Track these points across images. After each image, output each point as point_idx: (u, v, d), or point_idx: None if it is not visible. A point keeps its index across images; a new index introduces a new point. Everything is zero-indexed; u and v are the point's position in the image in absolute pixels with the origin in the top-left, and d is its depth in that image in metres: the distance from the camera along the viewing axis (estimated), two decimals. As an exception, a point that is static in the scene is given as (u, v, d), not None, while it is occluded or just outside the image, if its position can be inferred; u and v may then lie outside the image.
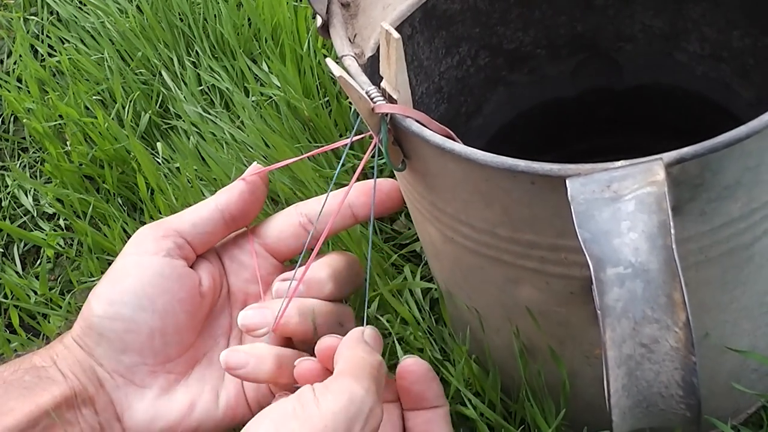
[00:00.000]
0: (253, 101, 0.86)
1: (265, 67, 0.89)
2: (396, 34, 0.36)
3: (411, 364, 0.52)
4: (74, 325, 0.56)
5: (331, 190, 0.55)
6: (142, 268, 0.55)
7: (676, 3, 0.60)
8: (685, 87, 0.65)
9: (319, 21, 0.42)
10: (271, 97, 0.86)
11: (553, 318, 0.47)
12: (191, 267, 0.57)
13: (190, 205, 0.80)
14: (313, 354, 0.52)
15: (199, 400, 0.55)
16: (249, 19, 0.95)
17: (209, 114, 0.88)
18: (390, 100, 0.39)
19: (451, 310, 0.59)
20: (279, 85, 0.85)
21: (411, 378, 0.52)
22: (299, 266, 0.55)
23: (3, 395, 0.52)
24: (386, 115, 0.39)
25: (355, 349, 0.49)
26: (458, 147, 0.37)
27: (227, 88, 0.90)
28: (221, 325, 0.58)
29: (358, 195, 0.57)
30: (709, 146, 0.35)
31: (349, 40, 0.43)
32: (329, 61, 0.36)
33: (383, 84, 0.39)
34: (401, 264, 0.70)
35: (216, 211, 0.57)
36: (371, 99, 0.39)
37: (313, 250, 0.52)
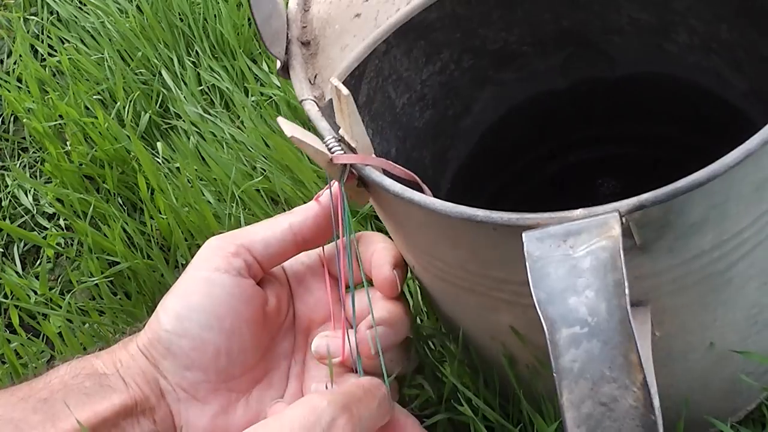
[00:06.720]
0: (253, 101, 0.86)
1: (265, 67, 0.89)
2: (345, 91, 0.35)
3: None
4: (141, 333, 0.55)
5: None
6: (212, 286, 0.54)
7: (662, -5, 0.59)
8: (678, 76, 0.64)
9: (278, 63, 0.42)
10: (271, 97, 0.85)
11: (536, 337, 0.47)
12: (258, 284, 0.56)
13: (191, 205, 0.81)
14: None
15: (257, 420, 0.54)
16: (249, 19, 0.94)
17: (209, 114, 0.88)
18: (350, 146, 0.39)
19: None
20: (279, 85, 0.85)
21: None
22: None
23: (62, 399, 0.52)
24: (345, 165, 0.38)
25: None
26: (417, 197, 0.37)
27: (227, 88, 0.89)
28: (284, 348, 0.58)
29: None
30: (669, 192, 0.34)
31: (309, 82, 0.42)
32: (281, 119, 0.35)
33: (341, 132, 0.39)
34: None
35: (289, 232, 0.56)
36: (329, 150, 0.38)
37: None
